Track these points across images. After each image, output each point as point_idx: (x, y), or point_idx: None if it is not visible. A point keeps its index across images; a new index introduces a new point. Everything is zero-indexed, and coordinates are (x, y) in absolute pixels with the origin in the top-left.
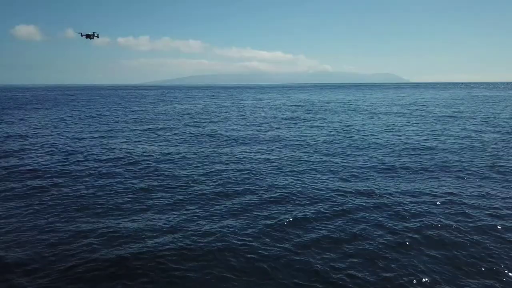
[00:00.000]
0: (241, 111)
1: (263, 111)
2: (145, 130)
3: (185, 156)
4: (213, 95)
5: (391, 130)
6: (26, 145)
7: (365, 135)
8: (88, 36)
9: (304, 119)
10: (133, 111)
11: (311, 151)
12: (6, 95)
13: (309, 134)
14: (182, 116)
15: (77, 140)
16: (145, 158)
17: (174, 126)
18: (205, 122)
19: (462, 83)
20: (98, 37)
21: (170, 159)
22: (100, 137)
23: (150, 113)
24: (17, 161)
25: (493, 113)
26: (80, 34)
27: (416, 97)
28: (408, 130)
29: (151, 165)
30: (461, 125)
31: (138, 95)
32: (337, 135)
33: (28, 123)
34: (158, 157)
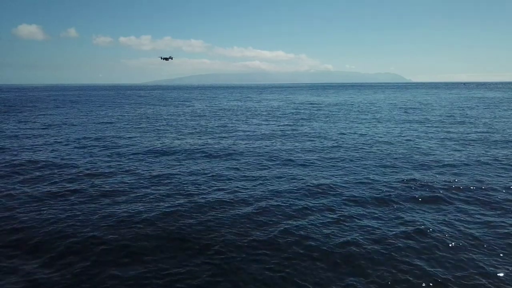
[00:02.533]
0: (246, 117)
1: (270, 116)
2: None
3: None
4: (214, 97)
5: (410, 143)
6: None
7: (380, 146)
8: (166, 59)
9: (315, 128)
10: (136, 116)
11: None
12: (9, 96)
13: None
14: (184, 125)
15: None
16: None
17: (179, 137)
18: (210, 134)
19: (463, 83)
20: (172, 59)
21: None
22: (103, 146)
23: (151, 120)
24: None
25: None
26: (160, 57)
27: (422, 99)
28: (423, 142)
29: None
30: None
31: (139, 96)
32: (355, 148)
33: (30, 128)
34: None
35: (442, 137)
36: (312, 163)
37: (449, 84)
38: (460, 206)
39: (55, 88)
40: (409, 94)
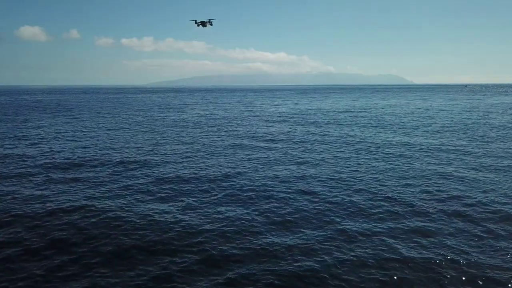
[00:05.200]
0: (253, 132)
1: (277, 131)
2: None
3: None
4: (216, 103)
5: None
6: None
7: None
8: (202, 23)
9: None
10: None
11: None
12: (12, 99)
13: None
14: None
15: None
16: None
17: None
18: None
19: (466, 85)
20: (211, 24)
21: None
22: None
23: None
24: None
25: None
26: (195, 22)
27: (432, 105)
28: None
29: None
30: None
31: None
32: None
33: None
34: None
35: None
36: None
37: (451, 86)
38: None
39: (59, 91)
40: (412, 99)
